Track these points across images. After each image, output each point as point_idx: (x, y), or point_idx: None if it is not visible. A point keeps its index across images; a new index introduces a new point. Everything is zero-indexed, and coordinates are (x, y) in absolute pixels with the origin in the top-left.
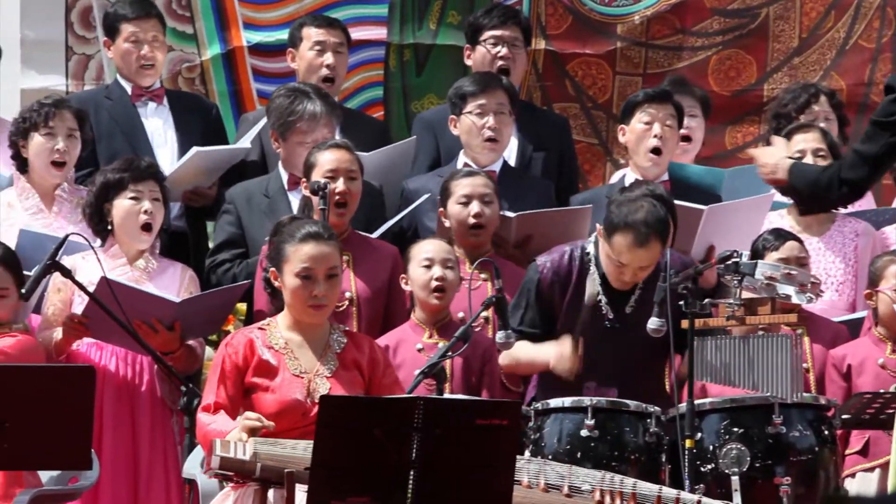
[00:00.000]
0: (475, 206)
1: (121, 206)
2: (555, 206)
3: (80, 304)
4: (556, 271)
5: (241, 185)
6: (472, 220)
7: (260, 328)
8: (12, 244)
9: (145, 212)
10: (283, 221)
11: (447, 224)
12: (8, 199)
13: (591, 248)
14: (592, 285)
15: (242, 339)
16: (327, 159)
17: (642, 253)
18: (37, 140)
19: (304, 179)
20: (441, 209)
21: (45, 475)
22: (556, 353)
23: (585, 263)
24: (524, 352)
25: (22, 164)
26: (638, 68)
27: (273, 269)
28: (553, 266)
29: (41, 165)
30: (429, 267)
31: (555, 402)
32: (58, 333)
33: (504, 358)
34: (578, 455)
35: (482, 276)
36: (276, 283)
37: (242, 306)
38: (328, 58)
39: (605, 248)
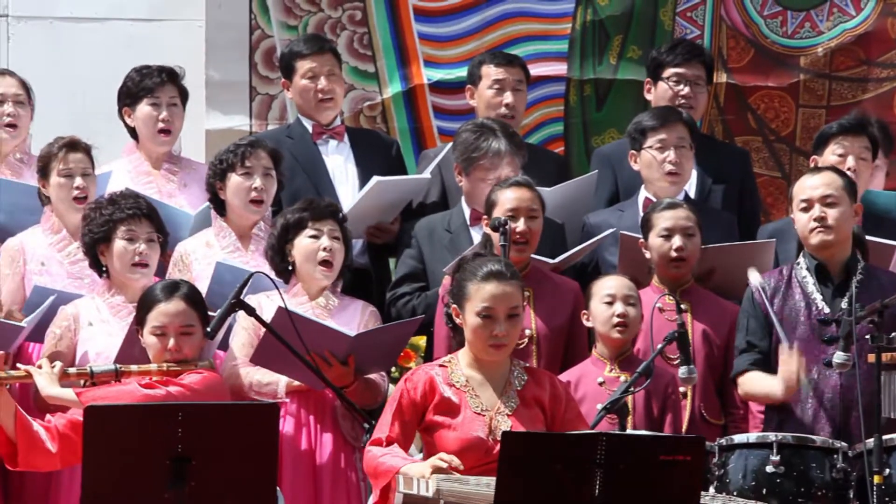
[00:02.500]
0: (677, 240)
1: (300, 244)
2: (737, 240)
3: None
4: (769, 280)
5: (425, 219)
6: (673, 254)
7: (441, 365)
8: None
9: (324, 249)
10: (467, 257)
11: (648, 255)
12: (207, 239)
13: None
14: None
15: (423, 376)
16: (508, 198)
17: (815, 178)
18: (234, 180)
19: (485, 217)
20: (642, 240)
21: None
22: (783, 387)
23: (796, 268)
24: (758, 385)
25: (220, 206)
26: (821, 100)
27: (455, 305)
28: (766, 276)
29: (239, 205)
30: (611, 303)
31: (739, 438)
32: (254, 373)
33: (741, 388)
34: (764, 491)
35: (682, 306)
36: (458, 321)
37: (422, 342)
38: (507, 97)
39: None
